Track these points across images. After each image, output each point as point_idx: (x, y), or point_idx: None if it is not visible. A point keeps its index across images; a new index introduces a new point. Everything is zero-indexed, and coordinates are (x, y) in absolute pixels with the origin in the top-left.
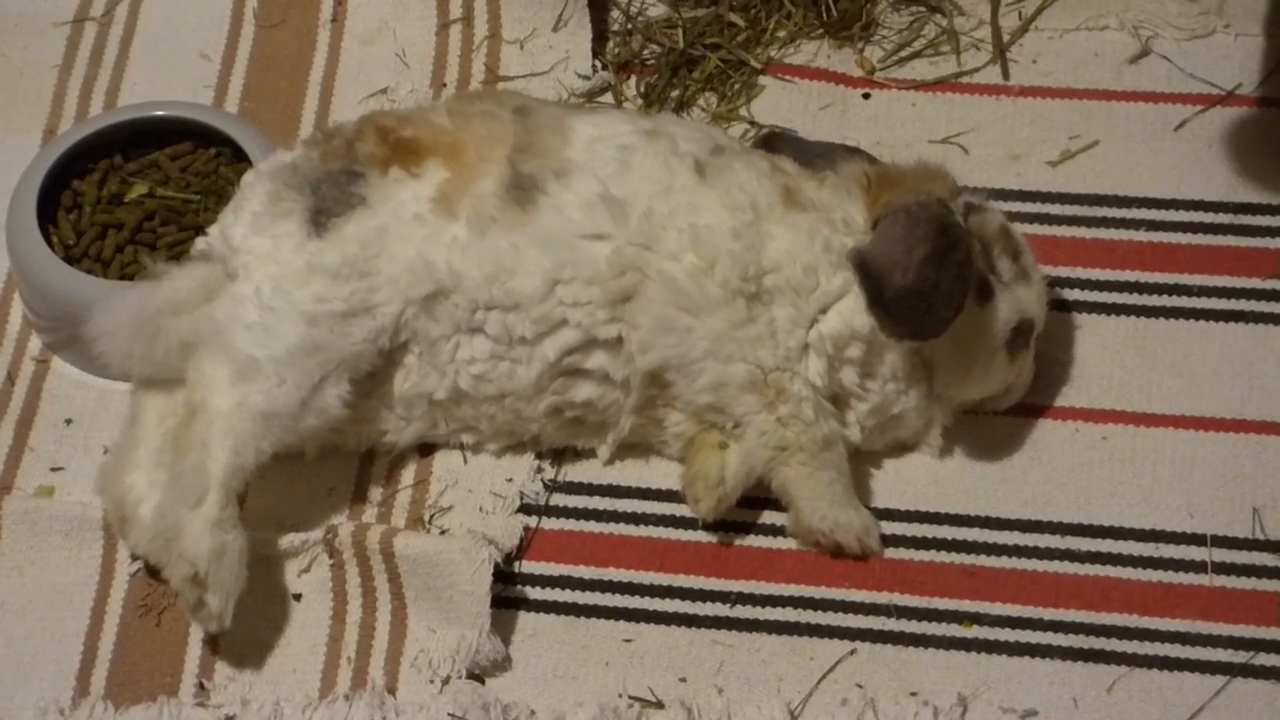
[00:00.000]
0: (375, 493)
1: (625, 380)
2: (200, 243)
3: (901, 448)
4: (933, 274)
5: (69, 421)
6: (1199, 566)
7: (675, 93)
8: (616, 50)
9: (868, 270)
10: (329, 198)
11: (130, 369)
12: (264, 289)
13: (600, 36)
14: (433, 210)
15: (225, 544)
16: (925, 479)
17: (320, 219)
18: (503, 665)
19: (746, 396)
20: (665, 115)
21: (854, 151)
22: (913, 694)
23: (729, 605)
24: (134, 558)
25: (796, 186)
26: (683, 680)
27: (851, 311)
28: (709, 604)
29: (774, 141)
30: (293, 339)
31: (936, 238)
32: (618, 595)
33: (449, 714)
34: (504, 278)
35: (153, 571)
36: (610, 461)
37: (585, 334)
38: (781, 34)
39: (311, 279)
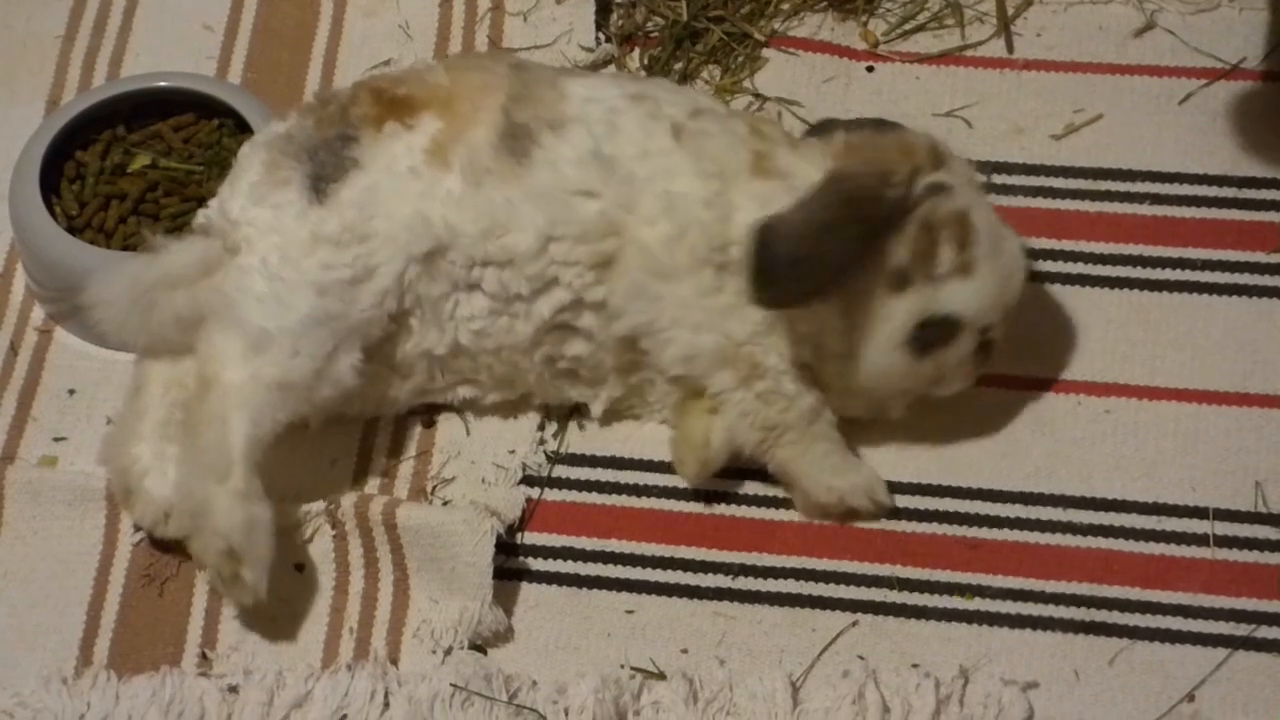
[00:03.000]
0: (378, 464)
1: (608, 342)
2: (200, 215)
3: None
4: (817, 242)
5: (72, 392)
6: (1201, 540)
7: (679, 65)
8: (620, 22)
9: (765, 230)
10: (327, 164)
11: (127, 339)
12: (271, 259)
13: (604, 9)
14: (426, 162)
15: (255, 515)
16: (927, 451)
17: (320, 185)
18: (505, 636)
19: (721, 373)
20: (655, 80)
21: (885, 124)
22: (914, 666)
23: (731, 577)
24: (137, 528)
25: (769, 153)
26: (684, 651)
27: None
28: (711, 575)
29: (822, 129)
30: (304, 309)
31: (839, 209)
32: (620, 567)
33: (451, 684)
34: (499, 233)
35: (156, 542)
36: (604, 419)
37: (575, 294)
38: (785, 6)
39: (316, 248)
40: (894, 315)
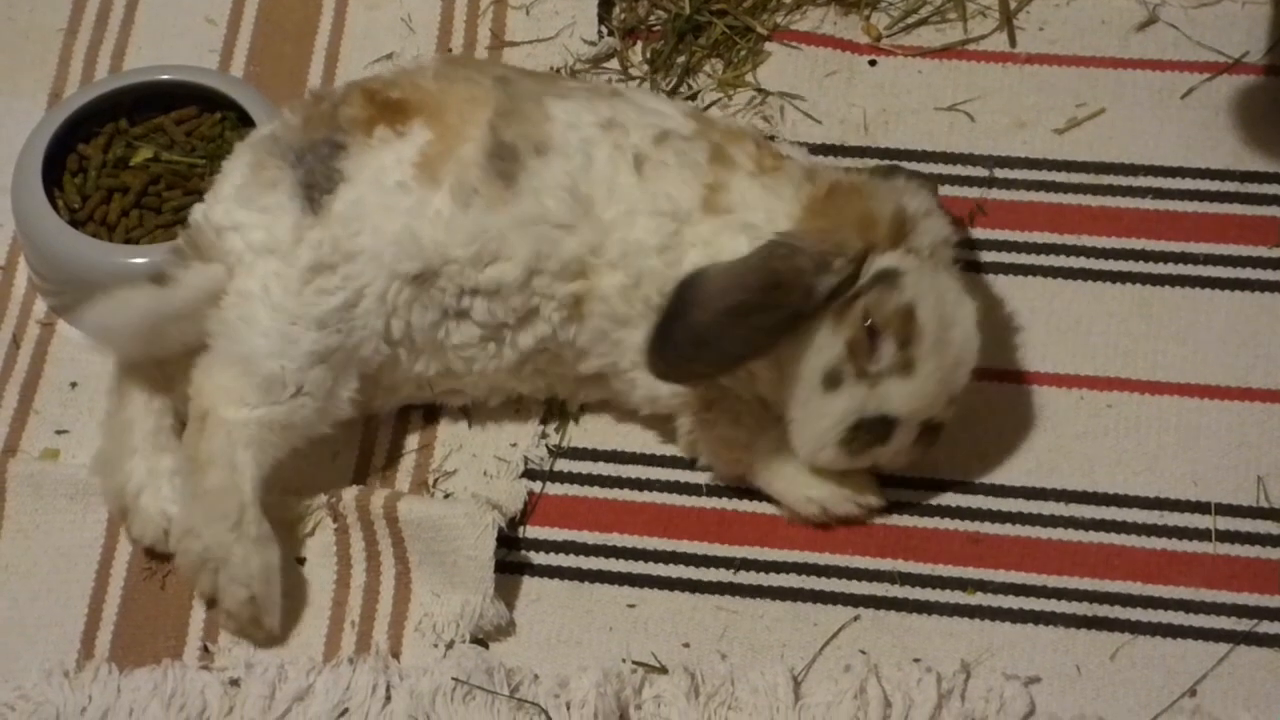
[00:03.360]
0: (379, 457)
1: (583, 376)
2: (191, 215)
3: None
4: (725, 325)
5: (74, 385)
6: (1203, 534)
7: (681, 59)
8: (622, 16)
9: (685, 292)
10: (317, 172)
11: (120, 357)
12: (273, 288)
13: (606, 2)
14: (416, 177)
15: (269, 560)
16: None
17: (313, 194)
18: (506, 630)
19: (682, 418)
20: (630, 95)
21: (915, 179)
22: (916, 660)
23: (733, 571)
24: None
25: (724, 184)
26: (686, 646)
27: None
28: (713, 570)
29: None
30: (306, 346)
31: (757, 292)
32: (621, 560)
33: (452, 678)
34: (487, 260)
35: (150, 552)
36: (602, 408)
37: (552, 329)
38: (788, 0)
39: (315, 275)
40: (826, 414)
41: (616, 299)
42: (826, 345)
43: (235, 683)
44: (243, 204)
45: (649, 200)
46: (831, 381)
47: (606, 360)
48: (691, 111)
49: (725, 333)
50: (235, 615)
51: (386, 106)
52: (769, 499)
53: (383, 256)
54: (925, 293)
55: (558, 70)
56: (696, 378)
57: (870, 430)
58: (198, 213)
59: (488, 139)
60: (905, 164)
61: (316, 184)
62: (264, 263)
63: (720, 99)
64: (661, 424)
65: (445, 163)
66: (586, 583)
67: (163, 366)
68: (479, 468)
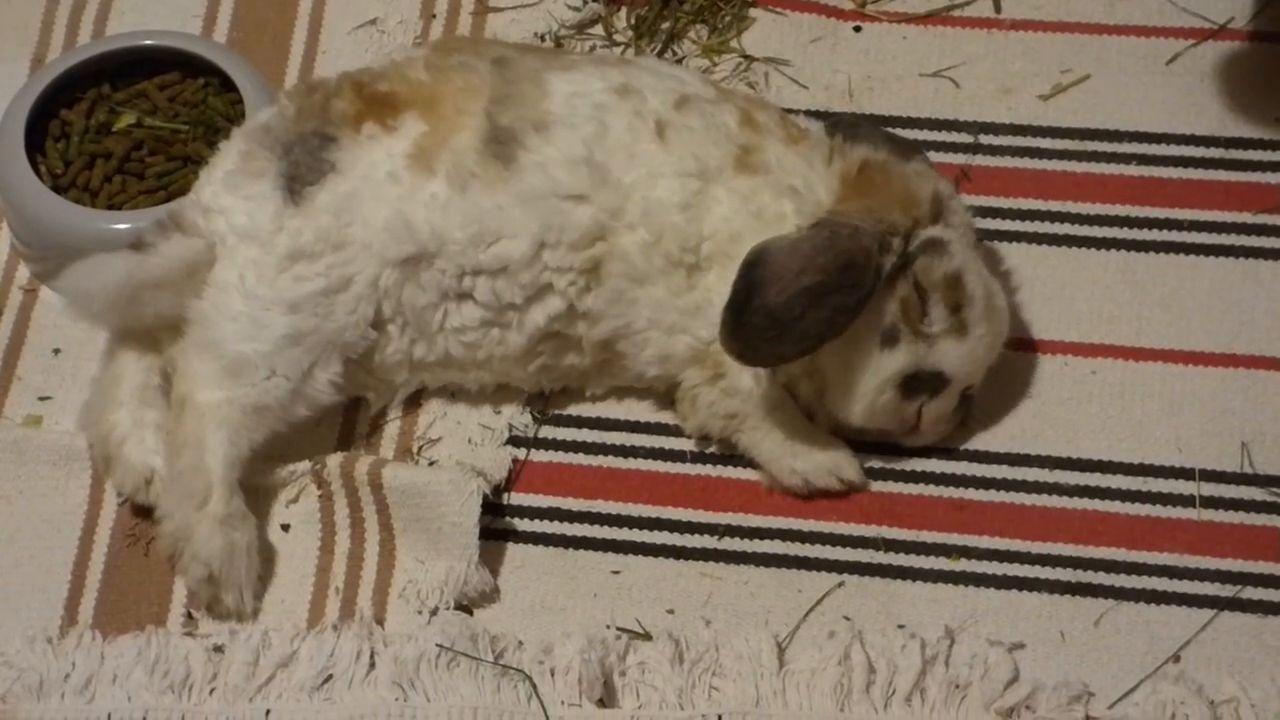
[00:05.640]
0: (364, 424)
1: (589, 347)
2: (192, 191)
3: None
4: (804, 306)
5: (57, 351)
6: (1187, 500)
7: (666, 25)
8: None
9: (751, 271)
10: (302, 164)
11: (98, 325)
12: (248, 276)
13: None
14: (409, 167)
15: (234, 541)
16: None
17: (295, 185)
18: (491, 596)
19: (690, 370)
20: (640, 62)
21: (913, 149)
22: (900, 626)
23: (717, 538)
24: (119, 494)
25: (757, 146)
26: (670, 612)
27: None
28: (697, 536)
29: (846, 129)
30: (278, 330)
31: (834, 274)
32: (606, 527)
33: (437, 645)
34: (489, 239)
35: (137, 509)
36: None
37: (568, 302)
38: None
39: (293, 263)
40: (885, 367)
41: (637, 256)
42: (881, 311)
43: (219, 649)
44: (230, 190)
45: (674, 162)
46: (889, 340)
47: (621, 321)
48: (705, 78)
49: (805, 314)
50: (196, 592)
51: (375, 100)
52: (754, 465)
53: (373, 246)
54: (970, 262)
55: (541, 37)
56: (779, 359)
57: (925, 383)
58: (190, 196)
59: (484, 126)
60: (891, 129)
61: (300, 176)
62: (244, 249)
63: (705, 65)
64: (649, 391)
65: (440, 153)
66: (571, 549)
67: (153, 331)
68: (464, 435)
